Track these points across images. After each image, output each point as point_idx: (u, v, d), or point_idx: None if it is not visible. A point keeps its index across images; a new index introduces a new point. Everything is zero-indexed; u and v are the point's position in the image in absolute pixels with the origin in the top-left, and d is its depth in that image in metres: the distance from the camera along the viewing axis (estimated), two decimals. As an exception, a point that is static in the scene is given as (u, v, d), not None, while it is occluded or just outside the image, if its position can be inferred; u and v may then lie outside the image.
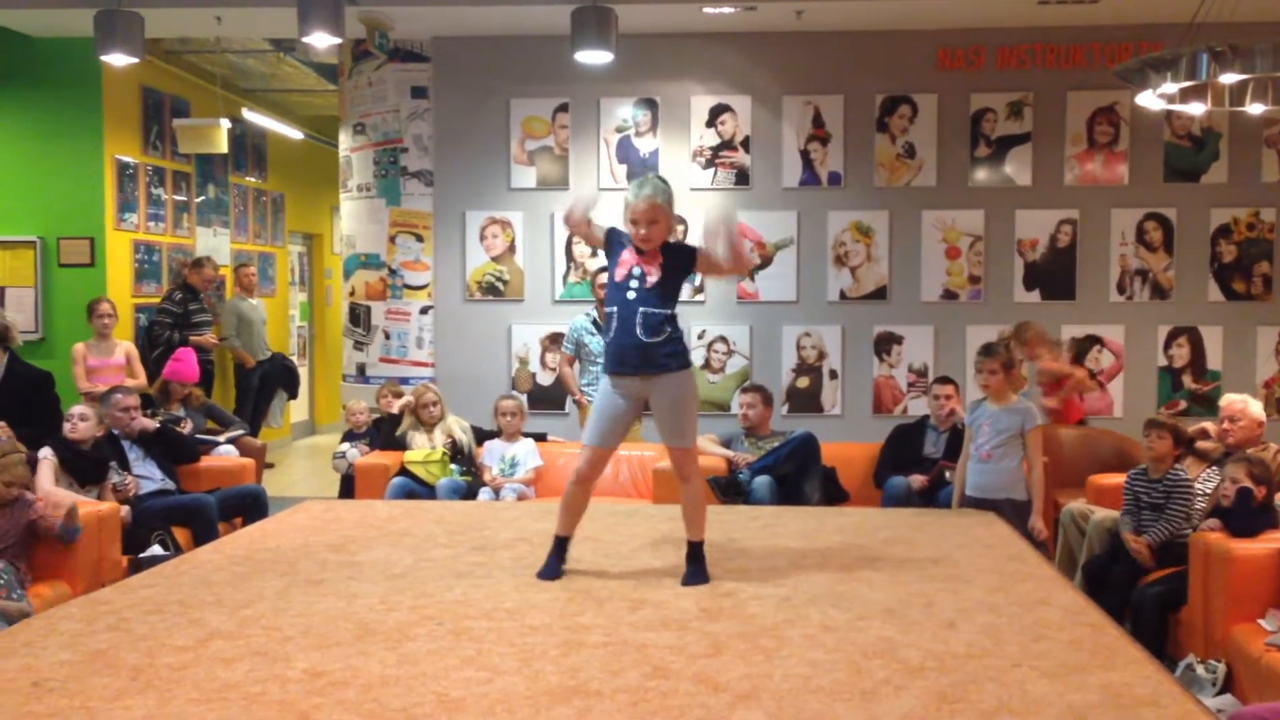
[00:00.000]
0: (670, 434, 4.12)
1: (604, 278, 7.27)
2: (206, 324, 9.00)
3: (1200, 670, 4.51)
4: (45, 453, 5.63)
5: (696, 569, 4.08)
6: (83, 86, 8.50)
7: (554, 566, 4.15)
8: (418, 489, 6.55)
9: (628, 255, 4.11)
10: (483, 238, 8.42)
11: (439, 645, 3.28)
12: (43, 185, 8.56)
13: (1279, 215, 8.02)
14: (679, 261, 4.11)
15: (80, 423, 5.82)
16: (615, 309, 4.10)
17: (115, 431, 6.23)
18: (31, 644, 3.29)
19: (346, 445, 7.31)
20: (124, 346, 7.90)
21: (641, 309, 4.04)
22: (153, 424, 6.51)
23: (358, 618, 3.56)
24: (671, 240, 4.17)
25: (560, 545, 4.21)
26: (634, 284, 4.06)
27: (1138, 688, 2.94)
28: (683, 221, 8.18)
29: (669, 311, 4.07)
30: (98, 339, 7.75)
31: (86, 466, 5.79)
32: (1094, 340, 8.12)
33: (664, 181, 4.17)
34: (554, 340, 8.19)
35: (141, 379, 7.72)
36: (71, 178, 8.56)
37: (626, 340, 4.05)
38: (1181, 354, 8.10)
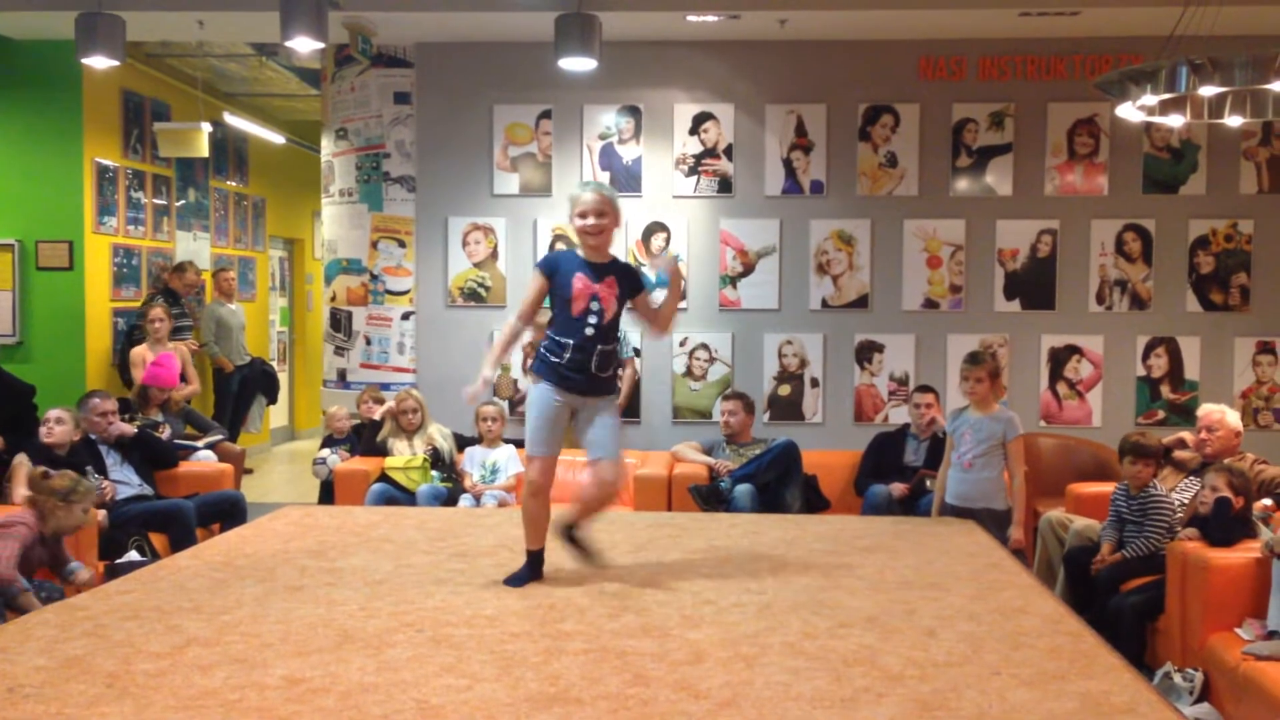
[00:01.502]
0: (606, 445, 4.18)
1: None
2: (188, 329, 8.98)
3: (1178, 679, 4.53)
4: (20, 459, 5.59)
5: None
6: (63, 89, 8.45)
7: (525, 577, 4.16)
8: (398, 495, 6.53)
9: (582, 282, 4.08)
10: (465, 243, 8.40)
11: (419, 652, 3.27)
12: (21, 188, 8.51)
13: (1257, 227, 8.08)
14: (630, 289, 4.20)
15: (56, 426, 5.78)
16: (571, 341, 4.08)
17: (93, 436, 6.19)
18: (7, 650, 3.26)
19: (327, 451, 7.28)
20: (175, 351, 8.03)
21: (600, 346, 4.11)
22: (130, 429, 6.47)
23: (337, 624, 3.55)
24: (616, 258, 4.25)
25: (535, 559, 4.22)
26: (593, 319, 4.08)
27: (1116, 696, 2.96)
28: (665, 229, 8.20)
29: (617, 340, 4.22)
30: (153, 343, 7.96)
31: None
32: (1073, 350, 8.16)
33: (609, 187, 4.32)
34: (535, 349, 8.16)
35: (194, 385, 8.03)
36: (51, 181, 8.51)
37: (584, 371, 4.10)
38: (1160, 364, 8.14)
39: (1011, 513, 5.29)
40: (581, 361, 4.08)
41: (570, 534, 4.28)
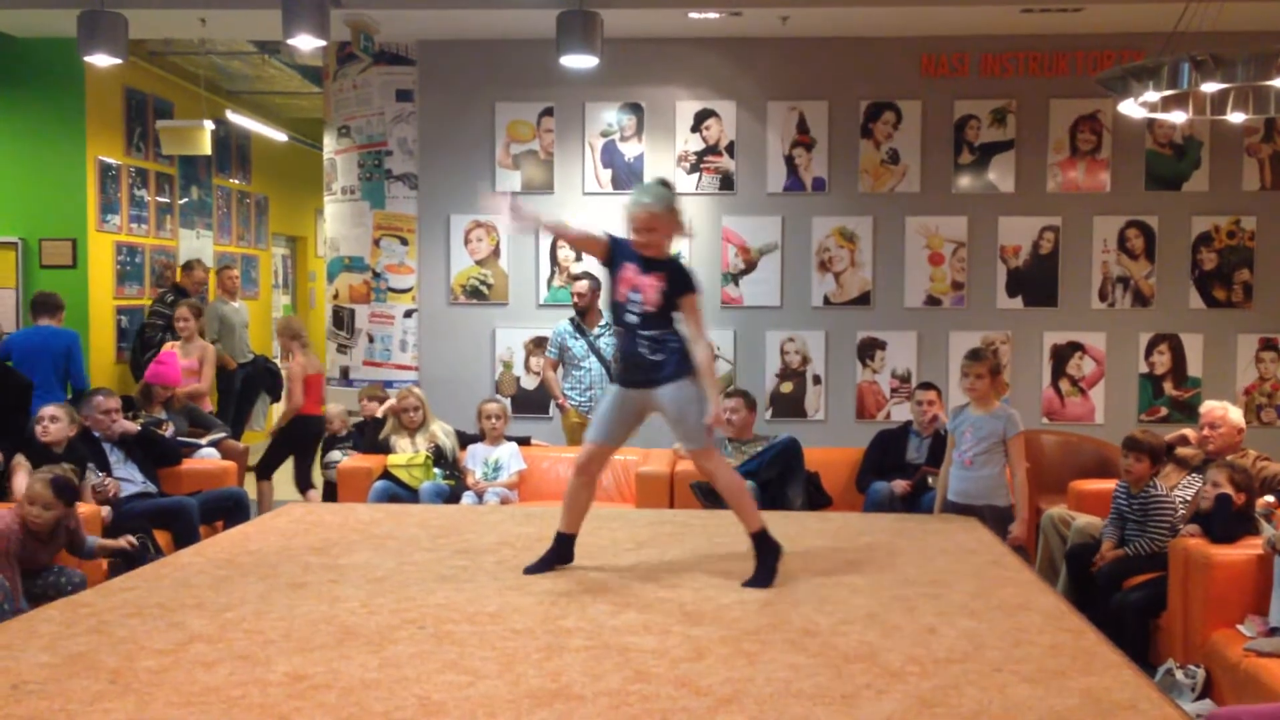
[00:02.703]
0: (683, 438, 4.21)
1: (581, 286, 7.34)
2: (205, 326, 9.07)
3: (1180, 675, 4.53)
4: (19, 459, 5.60)
5: (759, 568, 4.11)
6: (66, 87, 8.46)
7: (548, 562, 4.23)
8: (401, 493, 6.54)
9: (630, 272, 4.09)
10: (467, 241, 8.41)
11: (421, 649, 3.28)
12: (24, 186, 8.52)
13: (1259, 223, 8.07)
14: (676, 291, 4.07)
15: (51, 424, 5.77)
16: (620, 328, 4.14)
17: (96, 434, 6.20)
18: (11, 646, 3.27)
19: (337, 453, 7.31)
20: (200, 351, 8.08)
21: (642, 333, 4.08)
22: (134, 427, 6.48)
23: (339, 621, 3.55)
24: (678, 257, 4.17)
25: (562, 543, 4.29)
26: (633, 308, 4.08)
27: (1117, 692, 2.96)
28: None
29: (670, 329, 4.09)
30: (184, 342, 8.05)
31: None
32: (1075, 347, 8.16)
33: (666, 187, 4.16)
34: (538, 344, 8.18)
35: (205, 384, 8.07)
36: (54, 179, 8.52)
37: (632, 359, 4.12)
38: (1162, 361, 8.14)
39: (1013, 510, 5.29)
40: (632, 345, 4.10)
41: (755, 541, 4.18)
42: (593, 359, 7.24)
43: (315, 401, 7.82)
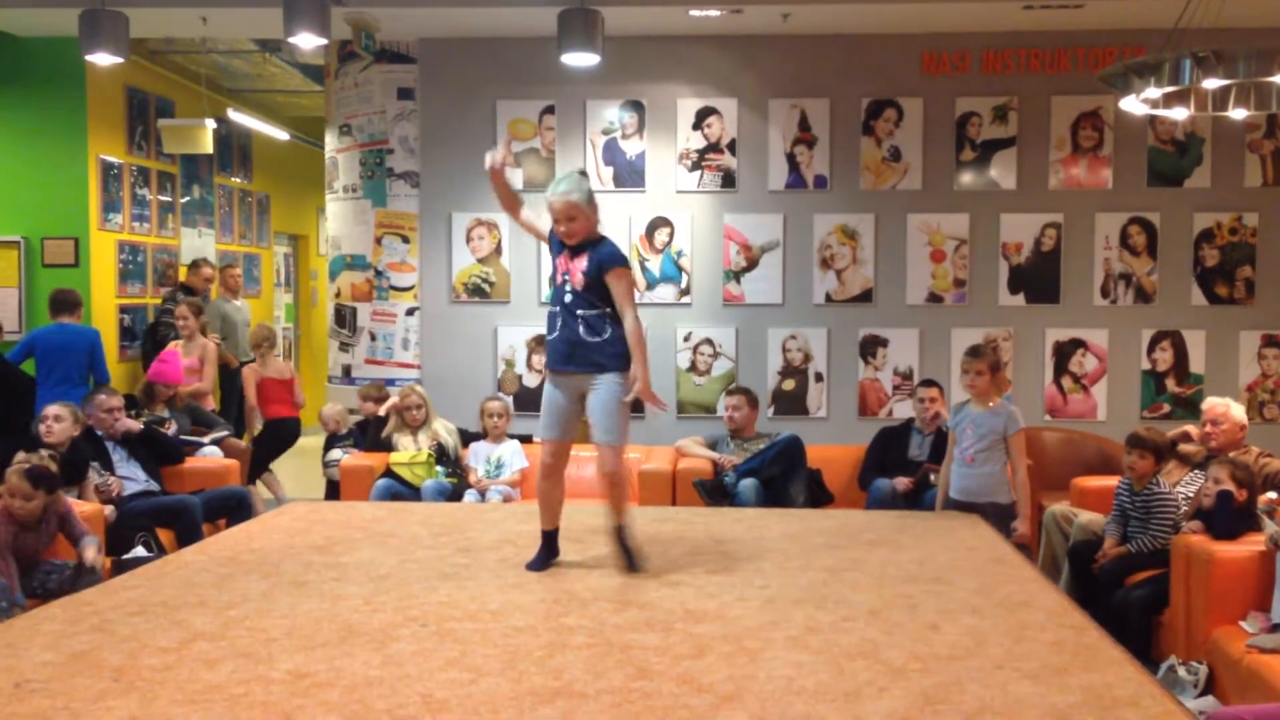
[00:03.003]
0: (601, 429, 4.25)
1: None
2: (207, 324, 9.08)
3: (1182, 672, 4.53)
4: (21, 459, 5.60)
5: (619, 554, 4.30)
6: (67, 86, 8.47)
7: (543, 559, 4.35)
8: (403, 491, 6.54)
9: (561, 259, 4.30)
10: (469, 239, 8.41)
11: (423, 646, 3.28)
12: (27, 185, 8.52)
13: (1262, 220, 8.06)
14: (598, 268, 4.20)
15: (55, 424, 5.78)
16: (556, 309, 4.28)
17: (99, 433, 6.21)
18: (14, 645, 3.28)
19: (337, 451, 7.33)
20: (201, 349, 8.13)
21: (579, 311, 4.21)
22: (136, 425, 6.49)
23: (342, 619, 3.56)
24: (601, 238, 4.29)
25: (548, 539, 4.40)
26: (567, 288, 4.25)
27: (1119, 689, 2.96)
28: (668, 224, 8.20)
29: (606, 309, 4.21)
30: (185, 341, 8.13)
31: (64, 468, 5.74)
32: (1078, 344, 8.16)
33: (583, 175, 4.34)
34: (540, 342, 8.19)
35: (208, 383, 8.17)
36: (56, 178, 8.53)
37: (569, 339, 4.23)
38: (1165, 358, 8.14)
39: (1015, 507, 5.29)
40: (569, 325, 4.21)
41: (616, 537, 4.34)
42: None
43: (282, 404, 8.15)
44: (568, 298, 4.23)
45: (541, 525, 4.42)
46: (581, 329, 4.20)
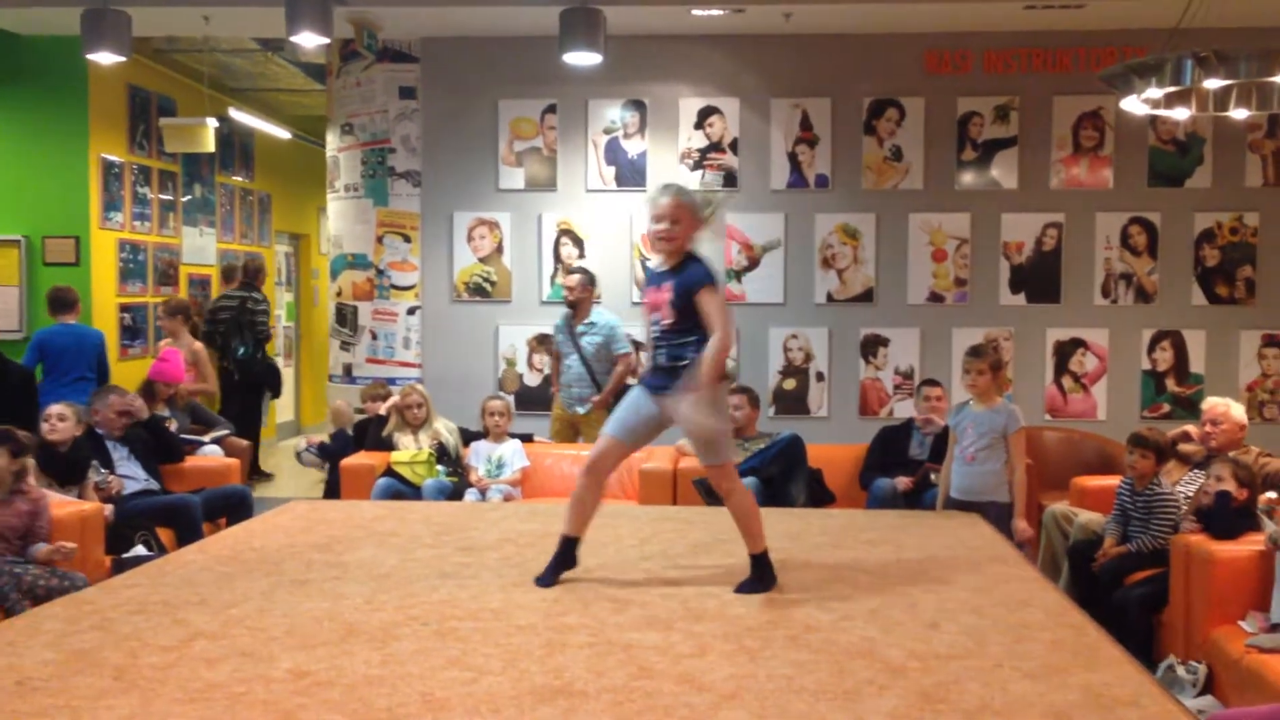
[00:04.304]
0: (699, 452, 4.07)
1: (571, 280, 7.32)
2: (264, 320, 9.62)
3: (1181, 671, 4.54)
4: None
5: (753, 578, 4.00)
6: (69, 85, 8.47)
7: (555, 570, 4.02)
8: (404, 490, 6.54)
9: (648, 293, 4.09)
10: (470, 238, 8.41)
11: (424, 645, 3.29)
12: (28, 184, 8.53)
13: (1262, 220, 8.06)
14: (685, 292, 3.93)
15: (59, 423, 5.78)
16: (657, 335, 4.06)
17: (99, 431, 6.21)
18: (15, 643, 3.29)
19: (301, 440, 7.43)
20: (189, 351, 8.18)
21: (673, 342, 3.97)
22: (143, 412, 6.47)
23: (343, 618, 3.56)
24: (691, 258, 4.02)
25: (566, 546, 4.07)
26: (655, 324, 4.04)
27: (1118, 688, 2.96)
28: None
29: (692, 339, 3.94)
30: (171, 340, 8.28)
31: (65, 467, 5.75)
32: (1078, 343, 8.16)
33: (693, 191, 4.16)
34: (541, 341, 8.19)
35: (211, 384, 8.38)
36: (57, 176, 8.53)
37: (662, 367, 4.00)
38: (1165, 358, 8.14)
39: (1015, 505, 5.29)
40: (656, 352, 4.03)
41: (754, 561, 4.04)
42: (575, 356, 7.22)
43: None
44: (656, 331, 4.02)
45: (563, 529, 4.06)
46: (663, 355, 3.98)
